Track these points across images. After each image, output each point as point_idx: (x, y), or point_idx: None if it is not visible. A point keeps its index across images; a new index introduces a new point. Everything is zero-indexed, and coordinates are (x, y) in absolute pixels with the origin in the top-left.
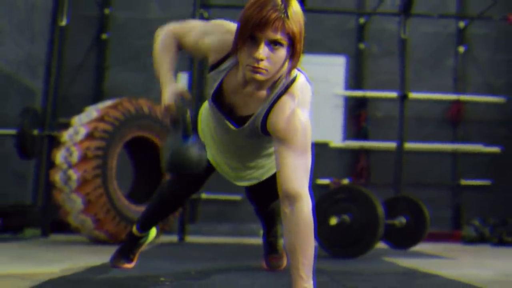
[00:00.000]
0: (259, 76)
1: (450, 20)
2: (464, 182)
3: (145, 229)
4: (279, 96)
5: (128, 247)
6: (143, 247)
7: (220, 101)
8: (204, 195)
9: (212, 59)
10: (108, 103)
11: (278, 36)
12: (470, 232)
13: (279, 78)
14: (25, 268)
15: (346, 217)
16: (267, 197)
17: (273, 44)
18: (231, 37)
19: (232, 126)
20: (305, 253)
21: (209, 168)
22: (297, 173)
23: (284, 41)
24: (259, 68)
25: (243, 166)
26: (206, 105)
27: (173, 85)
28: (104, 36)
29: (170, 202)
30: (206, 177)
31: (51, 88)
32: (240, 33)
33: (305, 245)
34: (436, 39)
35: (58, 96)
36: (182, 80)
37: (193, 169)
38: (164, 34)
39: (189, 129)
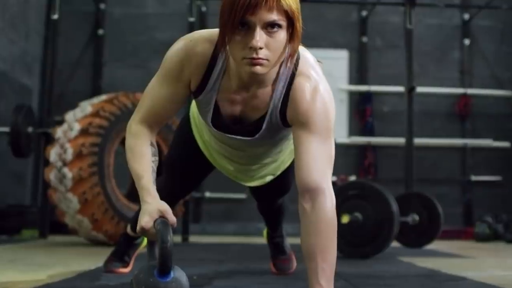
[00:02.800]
0: (259, 69)
1: (455, 12)
2: (474, 178)
3: None
4: (290, 81)
5: (122, 250)
6: (140, 249)
7: (221, 122)
8: (208, 194)
9: (192, 85)
10: (103, 97)
11: (274, 17)
12: (483, 230)
13: (281, 65)
14: (11, 275)
15: (358, 215)
16: (273, 193)
17: (270, 27)
18: (194, 46)
19: (244, 139)
20: (326, 257)
21: (208, 168)
22: (319, 163)
23: (282, 21)
24: (258, 59)
25: (256, 166)
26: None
27: (154, 204)
28: (100, 32)
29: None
30: (204, 177)
31: (47, 84)
32: (226, 22)
33: (326, 248)
34: (441, 32)
35: (52, 92)
36: None
37: None
38: (131, 136)
39: (168, 264)
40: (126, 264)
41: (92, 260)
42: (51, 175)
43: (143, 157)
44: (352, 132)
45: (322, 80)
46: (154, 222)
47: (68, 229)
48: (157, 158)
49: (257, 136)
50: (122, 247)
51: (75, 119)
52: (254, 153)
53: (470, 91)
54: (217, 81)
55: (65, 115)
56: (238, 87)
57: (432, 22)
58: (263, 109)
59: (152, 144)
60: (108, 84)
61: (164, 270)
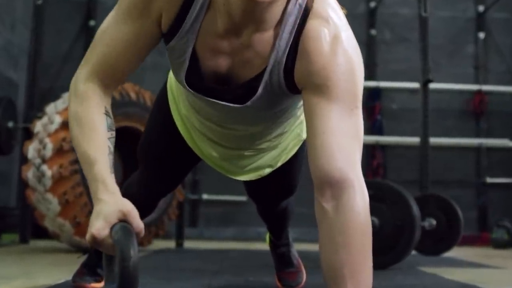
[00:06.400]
0: None
1: (469, 4)
2: (489, 180)
3: None
4: (301, 25)
5: (94, 261)
6: None
7: (200, 80)
8: (205, 196)
9: (164, 24)
10: None
11: None
12: (502, 235)
13: (289, 0)
14: None
15: (374, 219)
16: (274, 194)
17: None
18: None
19: (231, 106)
20: (358, 280)
21: (191, 155)
22: (343, 143)
23: None
24: None
25: (248, 153)
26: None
27: (112, 203)
28: (91, 23)
29: (139, 204)
30: (189, 167)
31: (31, 74)
32: None
33: (358, 266)
34: (454, 25)
35: (36, 83)
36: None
37: None
38: (76, 100)
39: (131, 284)
40: (99, 278)
41: (67, 270)
42: (29, 174)
43: (94, 131)
44: None
45: (346, 27)
46: (111, 228)
47: (48, 233)
48: (113, 133)
49: (249, 103)
50: (94, 258)
51: (55, 111)
52: (246, 132)
53: (485, 87)
54: (197, 20)
55: (46, 107)
56: (226, 29)
57: (445, 15)
58: (260, 64)
59: (107, 113)
60: None
61: None
